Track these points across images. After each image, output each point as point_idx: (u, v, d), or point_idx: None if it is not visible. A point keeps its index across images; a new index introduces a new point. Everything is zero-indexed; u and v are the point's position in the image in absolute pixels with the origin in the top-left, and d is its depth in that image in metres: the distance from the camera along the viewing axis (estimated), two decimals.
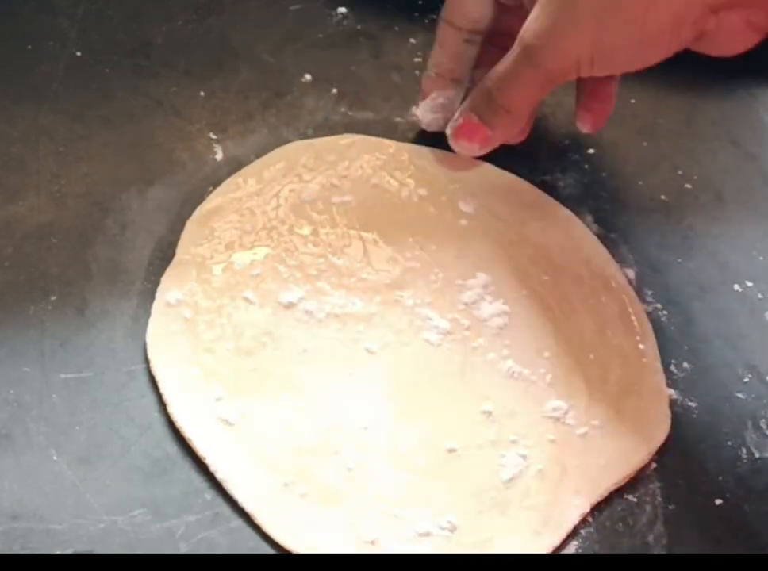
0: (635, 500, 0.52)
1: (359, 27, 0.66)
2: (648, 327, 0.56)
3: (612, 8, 0.50)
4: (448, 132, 0.58)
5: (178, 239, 0.56)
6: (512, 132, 0.57)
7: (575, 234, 0.59)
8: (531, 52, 0.52)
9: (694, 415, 0.55)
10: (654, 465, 0.53)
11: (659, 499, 0.52)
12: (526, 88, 0.54)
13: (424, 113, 0.60)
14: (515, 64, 0.53)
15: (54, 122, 0.60)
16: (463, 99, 0.59)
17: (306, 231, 0.57)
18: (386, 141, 0.60)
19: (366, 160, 0.59)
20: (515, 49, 0.53)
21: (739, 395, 0.55)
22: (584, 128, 0.59)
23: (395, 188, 0.58)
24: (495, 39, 0.58)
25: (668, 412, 0.54)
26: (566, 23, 0.51)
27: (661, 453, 0.53)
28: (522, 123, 0.56)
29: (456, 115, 0.57)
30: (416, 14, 0.67)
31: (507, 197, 0.59)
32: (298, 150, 0.59)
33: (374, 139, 0.61)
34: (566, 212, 0.60)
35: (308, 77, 0.64)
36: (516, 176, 0.60)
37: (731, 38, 0.51)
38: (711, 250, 0.61)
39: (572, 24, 0.51)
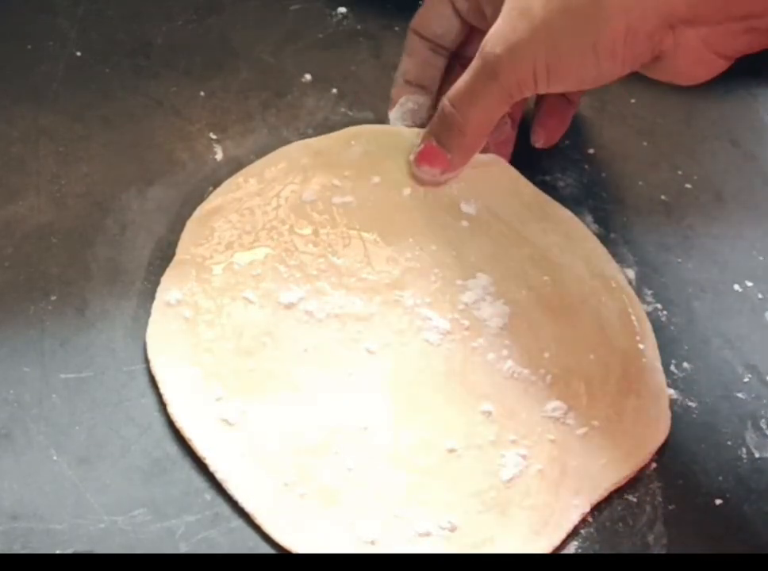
0: (635, 500, 0.52)
1: (359, 27, 0.66)
2: (648, 327, 0.56)
3: (566, 18, 0.49)
4: (411, 158, 0.57)
5: (178, 239, 0.56)
6: (471, 156, 0.56)
7: (575, 234, 0.59)
8: (488, 62, 0.52)
9: (694, 415, 0.55)
10: (654, 465, 0.53)
11: (659, 499, 0.52)
12: (483, 103, 0.53)
13: (395, 122, 0.60)
14: (473, 78, 0.53)
15: (54, 122, 0.60)
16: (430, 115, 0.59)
17: (306, 231, 0.57)
18: (389, 130, 0.60)
19: (368, 161, 0.59)
20: (474, 63, 0.53)
21: (739, 395, 0.55)
22: (536, 143, 0.60)
23: (396, 189, 0.58)
24: (465, 62, 0.57)
25: (668, 412, 0.54)
26: (522, 32, 0.50)
27: (661, 453, 0.53)
28: (480, 145, 0.56)
29: (419, 141, 0.57)
30: None
31: (508, 197, 0.59)
32: (300, 150, 0.59)
33: (377, 127, 0.60)
34: (566, 213, 0.60)
35: (308, 77, 0.64)
36: (518, 174, 0.60)
37: (691, 61, 0.50)
38: (711, 250, 0.61)
39: (528, 33, 0.50)
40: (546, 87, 0.52)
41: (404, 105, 0.60)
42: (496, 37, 0.52)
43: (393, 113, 0.60)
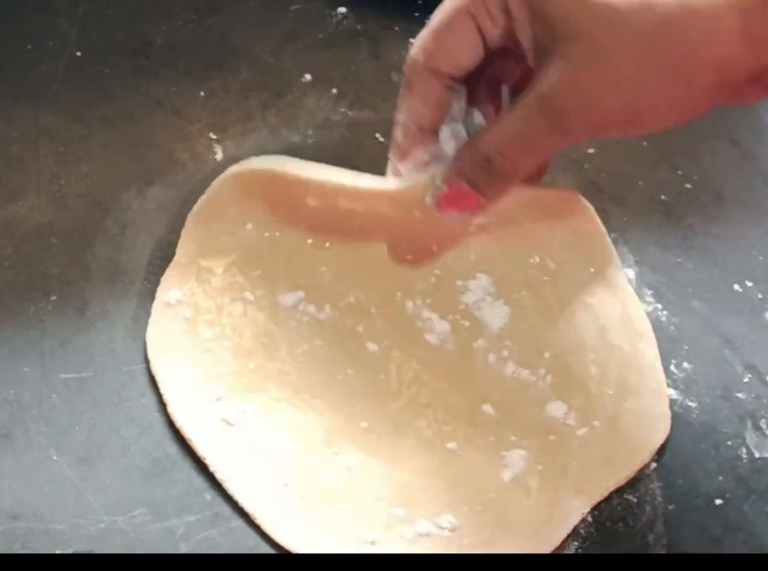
0: (635, 500, 0.52)
1: (359, 27, 0.66)
2: (648, 327, 0.56)
3: (654, 74, 0.45)
4: (429, 200, 0.50)
5: (178, 239, 0.56)
6: (504, 196, 0.50)
7: (579, 229, 0.59)
8: (557, 116, 0.46)
9: (694, 415, 0.55)
10: (654, 465, 0.53)
11: (659, 499, 0.52)
12: (542, 153, 0.49)
13: (409, 176, 0.51)
14: (532, 128, 0.47)
15: (54, 122, 0.60)
16: None
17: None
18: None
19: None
20: (530, 111, 0.47)
21: (739, 395, 0.55)
22: None
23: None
24: (482, 80, 0.52)
25: (668, 412, 0.54)
26: (603, 85, 0.46)
27: (661, 453, 0.53)
28: (515, 187, 0.50)
29: (437, 181, 0.50)
30: (416, 14, 0.67)
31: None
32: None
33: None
34: (569, 203, 0.59)
35: (308, 77, 0.64)
36: None
37: (757, 97, 0.48)
38: (711, 250, 0.61)
39: (610, 87, 0.46)
40: (619, 135, 0.49)
41: (420, 157, 0.51)
42: (566, 88, 0.46)
43: (408, 168, 0.51)
